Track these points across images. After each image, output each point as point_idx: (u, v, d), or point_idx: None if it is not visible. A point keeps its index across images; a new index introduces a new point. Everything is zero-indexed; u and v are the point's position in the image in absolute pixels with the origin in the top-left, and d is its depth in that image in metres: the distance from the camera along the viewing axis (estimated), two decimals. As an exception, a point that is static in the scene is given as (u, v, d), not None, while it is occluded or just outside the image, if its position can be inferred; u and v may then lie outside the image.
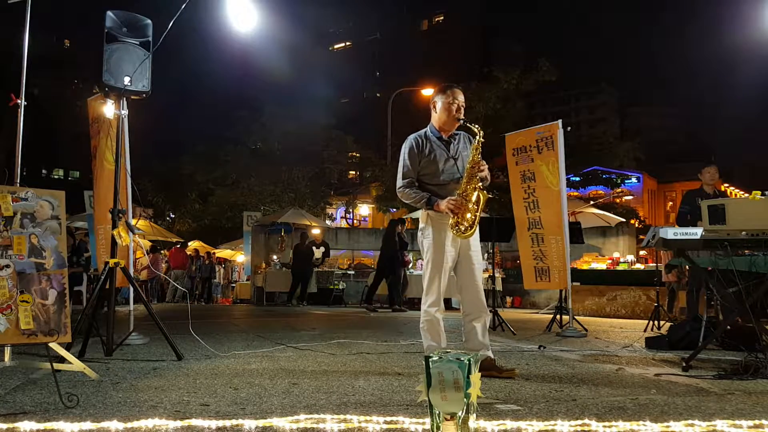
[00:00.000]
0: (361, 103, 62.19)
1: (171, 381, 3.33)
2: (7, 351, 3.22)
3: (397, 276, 11.23)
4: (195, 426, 2.31)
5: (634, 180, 45.11)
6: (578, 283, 10.68)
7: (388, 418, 2.42)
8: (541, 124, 7.22)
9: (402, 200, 3.79)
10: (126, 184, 5.13)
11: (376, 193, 25.96)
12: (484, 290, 3.79)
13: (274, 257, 14.99)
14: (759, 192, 3.94)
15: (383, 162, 24.46)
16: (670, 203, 48.88)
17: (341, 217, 33.12)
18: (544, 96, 53.30)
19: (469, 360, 2.06)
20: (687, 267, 7.86)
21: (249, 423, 2.34)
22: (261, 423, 2.35)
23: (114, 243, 4.54)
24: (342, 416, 2.45)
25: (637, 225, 26.80)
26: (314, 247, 13.56)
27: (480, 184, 3.57)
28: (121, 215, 4.56)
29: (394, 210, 25.43)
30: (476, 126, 3.64)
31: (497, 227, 7.30)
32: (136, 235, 6.04)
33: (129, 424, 2.30)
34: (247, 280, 16.74)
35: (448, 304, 11.78)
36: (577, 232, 8.38)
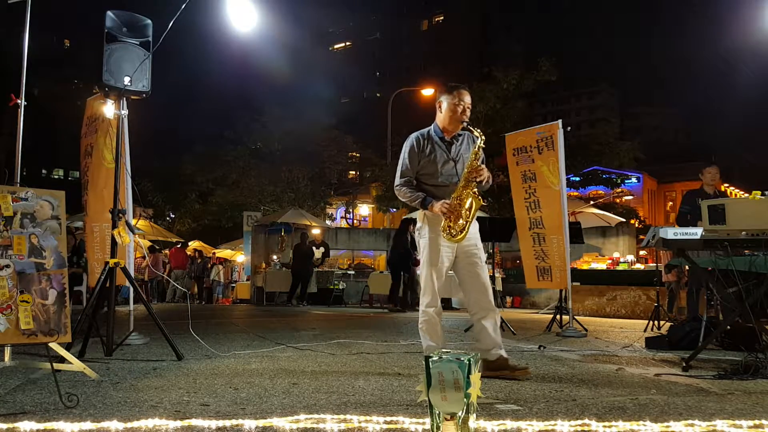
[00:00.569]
0: (361, 103, 62.16)
1: (171, 381, 3.33)
2: (7, 351, 3.22)
3: (411, 275, 11.21)
4: (195, 426, 2.31)
5: (634, 180, 45.07)
6: (578, 283, 10.69)
7: (388, 418, 2.42)
8: (541, 124, 7.22)
9: (399, 197, 3.77)
10: (126, 184, 5.14)
11: (376, 193, 25.97)
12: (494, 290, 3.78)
13: (274, 257, 14.99)
14: (759, 192, 3.94)
15: (383, 162, 24.47)
16: (670, 203, 48.85)
17: (341, 217, 33.13)
18: (544, 96, 53.32)
19: (469, 360, 2.06)
20: (687, 267, 7.86)
21: (249, 423, 2.34)
22: (261, 423, 2.35)
23: (114, 243, 4.54)
24: (342, 416, 2.45)
25: (637, 225, 26.79)
26: (314, 248, 13.57)
27: (476, 189, 3.54)
28: (121, 215, 4.56)
29: (394, 210, 25.46)
30: (478, 130, 3.60)
31: (497, 227, 7.29)
32: (136, 235, 6.04)
33: (129, 424, 2.30)
34: (247, 280, 16.74)
35: (447, 304, 11.79)
36: (577, 232, 8.38)
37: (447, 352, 2.14)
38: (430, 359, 2.08)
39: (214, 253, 21.84)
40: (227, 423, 2.34)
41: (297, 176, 25.36)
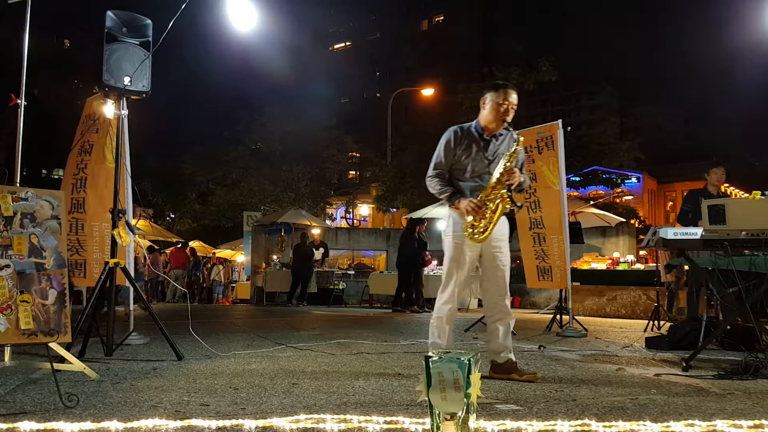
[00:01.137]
0: (361, 103, 62.15)
1: (171, 381, 3.33)
2: (7, 351, 3.22)
3: (419, 275, 11.18)
4: (195, 426, 2.31)
5: (634, 180, 45.09)
6: (578, 283, 10.68)
7: (388, 418, 2.42)
8: (541, 124, 7.22)
9: (428, 188, 3.69)
10: (126, 184, 5.14)
11: (376, 193, 26.00)
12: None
13: (274, 257, 14.99)
14: (759, 192, 3.94)
15: (383, 162, 24.49)
16: (670, 203, 48.85)
17: (341, 217, 33.14)
18: (544, 96, 53.30)
19: (469, 360, 2.06)
20: (686, 267, 7.86)
21: (249, 423, 2.34)
22: (261, 423, 2.35)
23: (114, 243, 4.54)
24: (342, 416, 2.45)
25: (637, 225, 26.81)
26: (313, 248, 13.57)
27: (504, 191, 3.43)
28: (121, 215, 4.56)
29: (394, 210, 25.48)
30: (517, 132, 3.52)
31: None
32: (136, 235, 6.04)
33: (129, 424, 2.30)
34: (247, 280, 16.75)
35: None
36: (577, 232, 8.38)
37: (447, 352, 2.14)
38: (431, 359, 2.08)
39: (214, 253, 21.84)
40: (227, 423, 2.35)
41: (297, 176, 25.35)
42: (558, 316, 7.00)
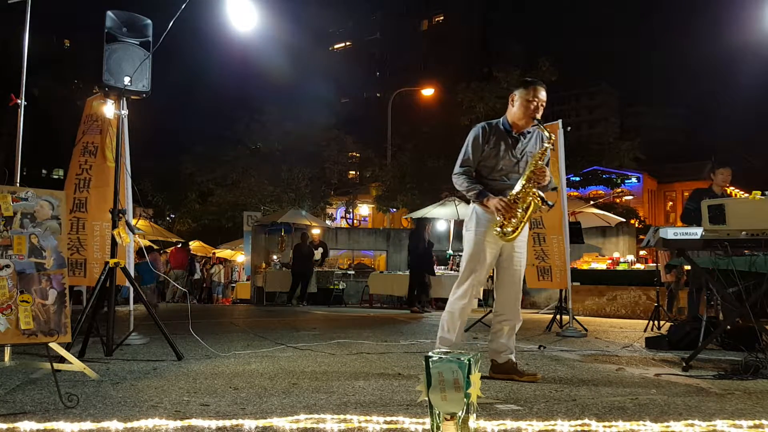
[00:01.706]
0: (361, 103, 62.12)
1: (171, 381, 3.33)
2: (7, 351, 3.22)
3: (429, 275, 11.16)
4: (195, 426, 2.31)
5: (634, 180, 45.07)
6: (578, 283, 10.67)
7: (388, 418, 2.42)
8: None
9: (455, 186, 3.63)
10: (126, 184, 5.14)
11: (376, 193, 25.98)
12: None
13: (274, 257, 14.99)
14: (759, 192, 3.94)
15: (383, 162, 24.48)
16: (670, 203, 48.83)
17: (341, 217, 33.13)
18: (544, 96, 53.16)
19: (469, 360, 2.06)
20: (686, 267, 7.85)
21: (249, 423, 2.34)
22: (261, 423, 2.35)
23: (114, 243, 4.54)
24: (342, 416, 2.45)
25: (637, 225, 26.80)
26: (313, 248, 13.57)
27: (536, 191, 3.41)
28: (121, 215, 4.56)
29: (394, 210, 25.47)
30: (548, 130, 3.48)
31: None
32: (136, 235, 6.04)
33: (129, 424, 2.30)
34: (247, 280, 16.74)
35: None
36: (577, 232, 8.37)
37: (447, 352, 2.14)
38: (430, 359, 2.08)
39: (214, 253, 21.84)
40: (227, 423, 2.35)
41: (297, 176, 25.33)
42: (558, 316, 6.99)
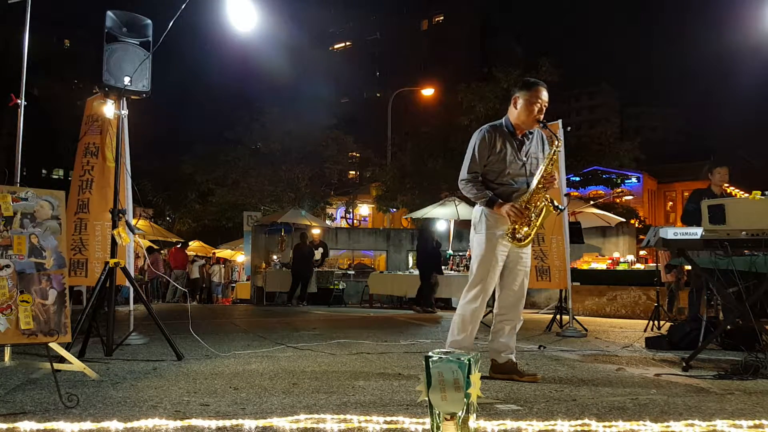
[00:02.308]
0: (361, 103, 62.12)
1: (171, 381, 3.33)
2: (7, 351, 3.22)
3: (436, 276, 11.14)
4: (195, 426, 2.31)
5: (634, 180, 45.05)
6: (578, 283, 10.68)
7: (388, 418, 2.42)
8: (541, 124, 7.21)
9: (462, 192, 3.61)
10: (126, 184, 5.13)
11: (376, 193, 25.97)
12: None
13: (274, 257, 14.99)
14: (759, 192, 3.94)
15: (383, 162, 24.48)
16: (670, 203, 48.81)
17: (341, 217, 33.13)
18: (544, 96, 53.18)
19: (469, 360, 2.06)
20: (686, 267, 7.85)
21: (249, 423, 2.34)
22: (261, 423, 2.35)
23: (114, 243, 4.54)
24: (342, 416, 2.45)
25: (637, 225, 26.80)
26: (313, 248, 13.57)
27: (548, 196, 3.40)
28: (121, 215, 4.56)
29: (394, 210, 25.47)
30: (558, 136, 3.45)
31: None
32: (136, 235, 6.04)
33: (129, 424, 2.30)
34: (247, 280, 16.74)
35: (447, 304, 11.77)
36: (577, 232, 8.37)
37: (447, 352, 2.14)
38: (431, 359, 2.08)
39: (214, 253, 21.85)
40: (227, 423, 2.35)
41: (297, 176, 25.34)
42: (558, 316, 7.00)
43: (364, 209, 33.10)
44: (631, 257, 12.71)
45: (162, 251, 18.36)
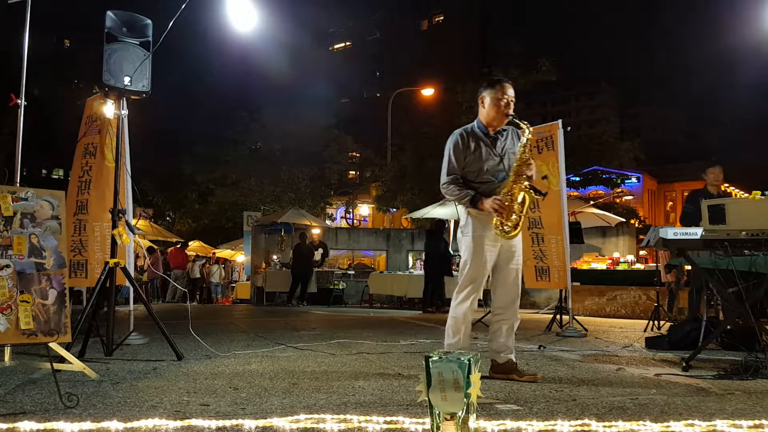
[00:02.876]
0: (361, 103, 62.17)
1: (171, 381, 3.33)
2: (7, 351, 3.22)
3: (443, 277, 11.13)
4: (195, 426, 2.31)
5: (634, 180, 45.09)
6: (578, 283, 10.67)
7: (388, 418, 2.42)
8: (541, 124, 7.21)
9: (446, 196, 3.66)
10: (126, 184, 5.13)
11: (376, 193, 25.98)
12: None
13: (274, 257, 14.99)
14: (759, 192, 3.94)
15: (383, 162, 24.47)
16: (670, 203, 48.86)
17: (341, 217, 33.14)
18: (544, 96, 53.29)
19: (469, 360, 2.06)
20: (686, 267, 7.85)
21: (249, 423, 2.34)
22: (261, 423, 2.35)
23: (114, 243, 4.54)
24: (342, 416, 2.45)
25: (637, 225, 26.82)
26: (313, 248, 13.57)
27: (527, 183, 3.43)
28: (121, 215, 4.56)
29: (394, 210, 25.46)
30: (525, 122, 3.48)
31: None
32: (136, 235, 6.04)
33: (129, 424, 2.30)
34: (247, 280, 16.74)
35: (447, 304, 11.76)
36: (577, 232, 8.37)
37: (447, 352, 2.14)
38: (431, 359, 2.08)
39: (213, 253, 21.84)
40: (227, 423, 2.35)
41: (297, 176, 25.33)
42: (558, 316, 6.99)
43: (364, 209, 33.12)
44: (631, 257, 12.70)
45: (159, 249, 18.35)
